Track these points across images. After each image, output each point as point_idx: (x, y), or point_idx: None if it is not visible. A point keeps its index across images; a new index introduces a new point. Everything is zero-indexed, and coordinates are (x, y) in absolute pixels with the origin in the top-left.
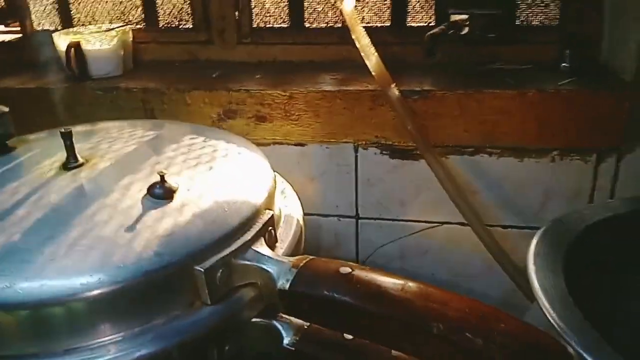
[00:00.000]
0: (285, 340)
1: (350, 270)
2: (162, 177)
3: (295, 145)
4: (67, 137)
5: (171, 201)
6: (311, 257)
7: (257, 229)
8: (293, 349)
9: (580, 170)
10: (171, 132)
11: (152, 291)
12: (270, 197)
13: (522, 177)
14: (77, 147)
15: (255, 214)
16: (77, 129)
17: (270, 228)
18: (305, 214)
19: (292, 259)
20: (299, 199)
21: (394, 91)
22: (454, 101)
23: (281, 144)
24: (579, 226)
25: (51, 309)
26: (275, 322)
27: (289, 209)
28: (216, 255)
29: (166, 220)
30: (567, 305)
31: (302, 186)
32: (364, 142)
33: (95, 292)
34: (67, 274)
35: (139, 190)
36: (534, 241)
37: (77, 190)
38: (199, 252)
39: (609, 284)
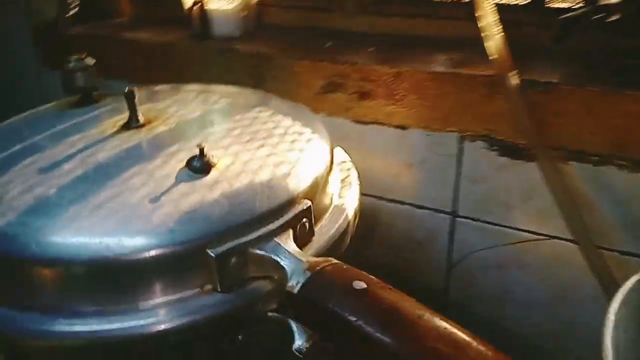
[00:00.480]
0: (296, 345)
1: (365, 286)
2: (201, 150)
3: (396, 127)
4: (130, 97)
5: (206, 176)
6: (334, 261)
7: (286, 220)
8: (301, 355)
9: None
10: (245, 101)
11: (160, 268)
12: (315, 186)
13: None
14: (149, 107)
15: (289, 203)
16: (157, 88)
17: (305, 220)
18: (397, 202)
19: (312, 259)
20: (397, 187)
21: (513, 79)
22: (582, 99)
23: (382, 124)
24: None
25: (53, 269)
26: (291, 322)
27: (345, 200)
28: (233, 241)
29: (193, 197)
30: None
31: (398, 172)
32: (471, 134)
33: (101, 258)
34: (81, 236)
35: (181, 160)
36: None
37: (126, 151)
38: (214, 235)
39: None
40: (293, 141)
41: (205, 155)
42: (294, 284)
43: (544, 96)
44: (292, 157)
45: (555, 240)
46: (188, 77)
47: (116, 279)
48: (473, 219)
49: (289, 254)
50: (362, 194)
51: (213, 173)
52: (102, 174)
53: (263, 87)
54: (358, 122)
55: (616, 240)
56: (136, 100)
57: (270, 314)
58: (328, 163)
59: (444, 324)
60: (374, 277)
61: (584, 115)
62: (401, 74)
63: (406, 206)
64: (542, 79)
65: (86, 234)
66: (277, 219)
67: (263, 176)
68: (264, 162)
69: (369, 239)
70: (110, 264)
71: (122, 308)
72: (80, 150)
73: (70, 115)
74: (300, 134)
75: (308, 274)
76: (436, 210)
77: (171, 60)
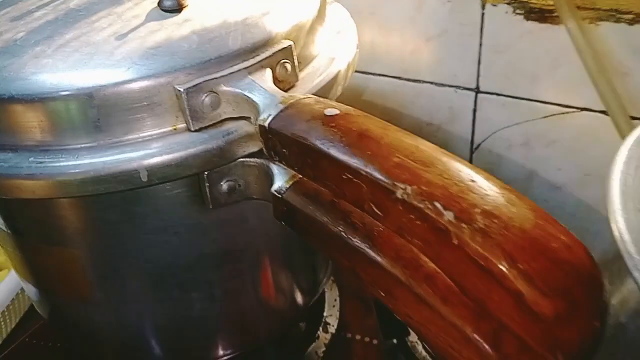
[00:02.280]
0: (275, 186)
1: (337, 112)
2: None
3: None
4: None
5: (177, 14)
6: (313, 96)
7: (263, 57)
8: (279, 196)
9: None
10: None
11: (125, 105)
12: (298, 29)
13: None
14: None
15: (267, 42)
16: None
17: (285, 61)
18: (416, 81)
19: (288, 95)
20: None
21: None
22: None
23: None
24: None
25: (18, 105)
26: (270, 164)
27: (337, 51)
28: (202, 77)
29: (160, 33)
30: None
31: (416, 47)
32: None
33: (63, 93)
34: (44, 72)
35: (154, 2)
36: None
37: None
38: (182, 70)
39: None
40: None
41: None
42: (265, 116)
43: None
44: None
45: (585, 112)
46: None
47: (81, 114)
48: (497, 94)
49: (264, 90)
50: (379, 74)
51: (185, 12)
52: (71, 18)
53: None
54: None
55: None
56: None
57: (250, 159)
58: (316, 9)
59: (417, 144)
60: (351, 107)
61: None
62: None
63: (426, 84)
64: None
65: (49, 70)
66: (253, 57)
67: (239, 16)
68: (242, 2)
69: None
70: (71, 98)
71: (89, 146)
72: (52, 1)
73: None
74: None
75: (281, 106)
76: (459, 88)
77: None
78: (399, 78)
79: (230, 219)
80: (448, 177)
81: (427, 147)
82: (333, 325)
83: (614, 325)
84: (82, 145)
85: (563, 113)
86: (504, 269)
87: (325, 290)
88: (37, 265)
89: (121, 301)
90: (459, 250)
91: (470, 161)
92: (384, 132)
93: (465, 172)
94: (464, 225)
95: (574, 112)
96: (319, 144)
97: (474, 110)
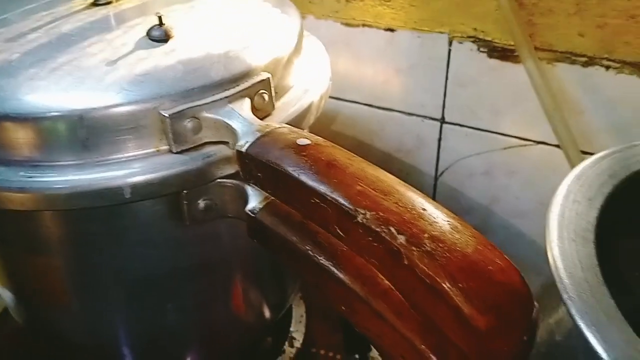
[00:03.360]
0: (249, 206)
1: (308, 142)
2: (159, 18)
3: (385, 30)
4: None
5: (164, 44)
6: (288, 126)
7: (242, 88)
8: (253, 215)
9: None
10: None
11: (113, 127)
12: (276, 62)
13: None
14: None
15: (247, 74)
16: None
17: (263, 92)
18: (386, 109)
19: (264, 123)
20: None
21: None
22: None
23: (370, 26)
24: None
25: (12, 123)
26: (245, 186)
27: (311, 83)
28: (186, 104)
29: (148, 61)
30: (589, 260)
31: (388, 77)
32: (460, 35)
33: (55, 114)
34: (38, 93)
35: (141, 31)
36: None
37: (90, 24)
38: (167, 97)
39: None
40: (259, 20)
41: (164, 24)
42: (243, 143)
43: None
44: (256, 33)
45: (542, 145)
46: None
47: (71, 134)
48: (460, 125)
49: (242, 118)
50: (352, 101)
51: (171, 42)
52: (64, 42)
53: None
54: (347, 24)
55: (601, 144)
56: None
57: (227, 180)
58: (293, 44)
59: (378, 175)
60: (321, 138)
61: (572, 13)
62: None
63: (396, 113)
64: None
65: (42, 91)
66: (233, 87)
67: (222, 48)
68: (226, 36)
69: (362, 147)
70: (62, 119)
71: (77, 163)
72: (46, 24)
73: None
74: (269, 14)
75: (258, 134)
76: (426, 117)
77: None
78: (371, 105)
79: (206, 235)
80: (403, 205)
81: (387, 178)
82: (299, 340)
83: (550, 343)
84: (71, 163)
85: (522, 145)
86: (446, 287)
87: (293, 306)
88: (17, 272)
89: (98, 309)
90: (409, 269)
91: (435, 187)
92: (349, 163)
93: (418, 201)
94: (414, 248)
95: (531, 145)
96: (291, 170)
97: (439, 139)
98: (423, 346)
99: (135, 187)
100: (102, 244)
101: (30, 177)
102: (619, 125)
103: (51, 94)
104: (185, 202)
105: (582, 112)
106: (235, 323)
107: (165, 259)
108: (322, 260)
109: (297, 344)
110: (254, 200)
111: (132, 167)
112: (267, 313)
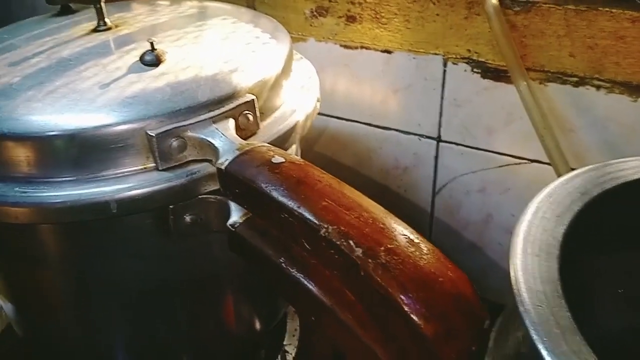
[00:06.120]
0: (231, 220)
1: (283, 160)
2: (151, 44)
3: (382, 51)
4: (96, 2)
5: (155, 68)
6: (269, 145)
7: (227, 109)
8: (233, 229)
9: None
10: (215, 12)
11: (103, 145)
12: (262, 84)
13: (632, 120)
14: (120, 15)
15: (232, 96)
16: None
17: (247, 112)
18: (384, 128)
19: (245, 142)
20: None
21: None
22: (560, 17)
23: (368, 48)
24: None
25: (8, 142)
26: (228, 201)
27: (298, 104)
28: (172, 124)
29: (138, 84)
30: (549, 273)
31: (386, 97)
32: (454, 56)
33: (50, 134)
34: (34, 114)
35: (136, 56)
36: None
37: (88, 49)
38: (154, 117)
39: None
40: (248, 44)
41: (156, 49)
42: (223, 161)
43: (524, 15)
44: (244, 57)
45: (535, 163)
46: None
47: (64, 152)
48: (456, 144)
49: (225, 137)
50: (351, 120)
51: (162, 66)
52: (62, 67)
53: None
54: (346, 47)
55: (592, 162)
56: (102, 4)
57: (211, 196)
58: (280, 67)
59: (343, 192)
60: (296, 157)
61: (563, 35)
62: None
63: (393, 132)
64: None
65: (38, 112)
66: (218, 108)
67: (210, 71)
68: (215, 60)
69: (361, 164)
70: (56, 138)
71: (68, 180)
72: (48, 49)
73: (48, 22)
74: (258, 38)
75: (237, 152)
76: (422, 136)
77: None
78: (369, 124)
79: (194, 248)
80: (364, 220)
81: (351, 194)
82: (291, 354)
83: (517, 355)
84: (63, 179)
85: (516, 164)
86: (397, 296)
87: (287, 320)
88: (16, 285)
89: (90, 320)
90: (365, 280)
91: (433, 204)
92: (318, 180)
93: (379, 216)
94: (369, 260)
95: (525, 163)
96: (263, 186)
97: (436, 157)
98: (384, 356)
99: (122, 202)
100: (93, 256)
101: (25, 192)
102: (610, 144)
103: (46, 115)
104: (171, 216)
105: (573, 130)
106: (227, 335)
107: (155, 272)
108: (294, 272)
109: (290, 357)
110: (236, 215)
111: (119, 184)
112: (258, 325)
